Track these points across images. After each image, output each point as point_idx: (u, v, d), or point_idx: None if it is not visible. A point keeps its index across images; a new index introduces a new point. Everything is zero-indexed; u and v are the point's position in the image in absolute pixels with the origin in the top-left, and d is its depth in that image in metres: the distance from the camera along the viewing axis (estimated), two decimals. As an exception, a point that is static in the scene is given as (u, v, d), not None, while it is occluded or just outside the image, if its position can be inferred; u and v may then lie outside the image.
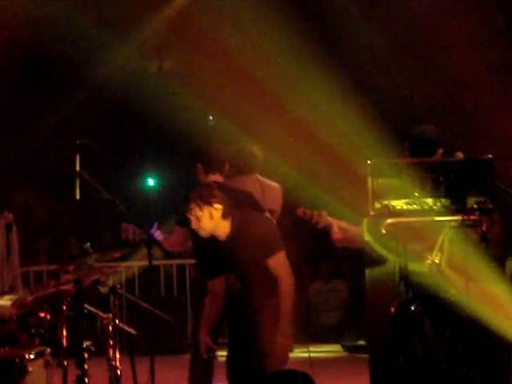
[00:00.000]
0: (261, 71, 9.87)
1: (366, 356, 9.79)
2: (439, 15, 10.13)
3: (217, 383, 6.68)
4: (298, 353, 10.53)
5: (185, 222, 6.12)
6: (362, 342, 10.71)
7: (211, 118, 10.83)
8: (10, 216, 8.88)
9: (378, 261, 5.45)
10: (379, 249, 5.42)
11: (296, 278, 10.61)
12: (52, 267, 10.40)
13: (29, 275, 10.49)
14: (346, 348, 10.99)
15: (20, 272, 9.53)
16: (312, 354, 10.56)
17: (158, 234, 6.34)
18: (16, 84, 10.86)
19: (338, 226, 5.94)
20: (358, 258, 6.32)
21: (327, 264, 12.33)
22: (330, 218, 6.01)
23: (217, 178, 6.52)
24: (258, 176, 7.43)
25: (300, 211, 6.05)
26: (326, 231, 6.04)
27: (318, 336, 11.77)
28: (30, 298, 5.43)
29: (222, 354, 7.44)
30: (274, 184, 7.48)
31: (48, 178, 10.93)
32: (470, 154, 5.77)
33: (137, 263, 10.02)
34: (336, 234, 5.93)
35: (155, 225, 6.34)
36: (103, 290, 5.43)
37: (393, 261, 5.36)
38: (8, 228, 8.84)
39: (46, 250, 11.49)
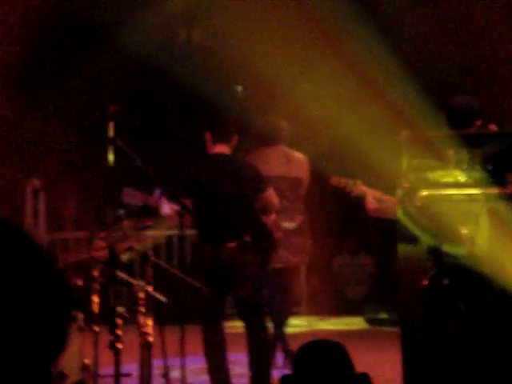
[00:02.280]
0: (294, 43, 9.77)
1: (388, 329, 9.94)
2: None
3: (231, 353, 6.69)
4: (325, 325, 10.66)
5: (189, 193, 6.18)
6: (384, 315, 10.74)
7: (240, 88, 10.76)
8: (37, 182, 8.87)
9: (411, 239, 5.38)
10: (411, 226, 5.36)
11: (321, 251, 10.59)
12: (79, 234, 10.44)
13: (55, 243, 10.50)
14: (369, 321, 10.99)
15: (46, 239, 9.59)
16: (335, 327, 10.72)
17: (163, 201, 6.32)
18: (41, 45, 10.82)
19: (373, 196, 5.88)
20: (388, 231, 6.24)
21: (354, 238, 12.29)
22: (364, 188, 5.95)
23: (223, 149, 6.46)
24: (284, 147, 7.49)
25: (334, 180, 6.00)
26: (359, 201, 5.99)
27: (342, 309, 11.80)
28: (62, 264, 5.44)
29: (232, 324, 7.48)
30: (300, 155, 7.60)
31: (76, 143, 10.91)
32: (504, 126, 5.72)
33: (166, 232, 10.05)
34: (371, 204, 5.87)
35: (158, 191, 6.30)
36: (125, 257, 5.42)
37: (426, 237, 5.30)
38: (35, 195, 8.83)
39: (73, 218, 11.47)
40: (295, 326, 9.46)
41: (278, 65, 9.84)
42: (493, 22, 9.71)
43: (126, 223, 5.26)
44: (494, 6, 9.72)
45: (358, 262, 12.20)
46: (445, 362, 5.17)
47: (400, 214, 5.39)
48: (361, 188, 5.95)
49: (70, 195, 11.05)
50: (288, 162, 7.52)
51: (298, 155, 7.63)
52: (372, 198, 5.93)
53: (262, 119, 7.83)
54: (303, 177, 7.63)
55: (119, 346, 5.02)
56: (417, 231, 5.32)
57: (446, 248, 5.21)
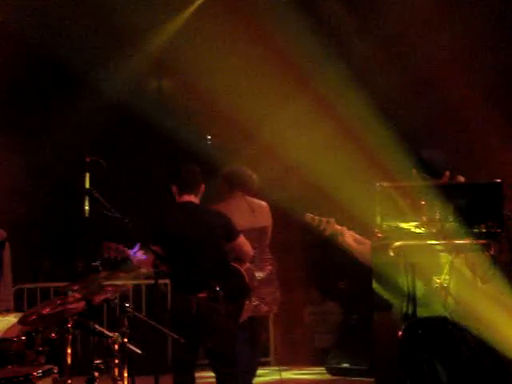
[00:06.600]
0: (260, 89, 9.87)
1: (350, 379, 9.85)
2: (430, 34, 10.18)
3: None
4: (292, 375, 10.59)
5: (158, 241, 6.19)
6: (346, 365, 10.64)
7: (209, 137, 10.83)
8: (3, 233, 8.81)
9: (385, 305, 5.43)
10: (385, 293, 5.41)
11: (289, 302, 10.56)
12: (47, 284, 10.31)
13: (23, 293, 10.37)
14: (330, 370, 10.86)
15: (13, 290, 9.45)
16: (297, 376, 10.65)
17: (140, 254, 6.32)
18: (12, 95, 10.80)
19: (350, 235, 5.95)
20: (360, 277, 6.25)
21: (321, 287, 12.28)
22: (338, 226, 6.01)
23: (191, 198, 6.53)
24: (246, 197, 7.50)
25: (308, 217, 6.05)
26: (332, 239, 6.05)
27: (308, 358, 11.72)
28: (35, 316, 5.36)
29: (204, 374, 7.44)
30: (262, 202, 7.63)
31: (50, 194, 10.84)
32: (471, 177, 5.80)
33: (134, 281, 9.97)
34: (348, 238, 5.93)
35: (138, 244, 6.32)
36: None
37: (401, 289, 5.35)
38: (1, 246, 8.76)
39: (46, 269, 11.32)
40: (262, 375, 9.42)
41: (246, 112, 9.92)
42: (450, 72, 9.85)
43: (102, 274, 5.23)
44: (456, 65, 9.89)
45: (325, 310, 12.17)
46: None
47: (374, 264, 5.45)
48: (334, 226, 6.01)
49: (43, 246, 10.95)
50: (252, 212, 7.54)
51: (260, 203, 7.66)
52: (348, 235, 5.99)
53: (229, 168, 7.85)
54: (268, 224, 7.68)
55: (96, 399, 4.96)
56: (389, 287, 5.39)
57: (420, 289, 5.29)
